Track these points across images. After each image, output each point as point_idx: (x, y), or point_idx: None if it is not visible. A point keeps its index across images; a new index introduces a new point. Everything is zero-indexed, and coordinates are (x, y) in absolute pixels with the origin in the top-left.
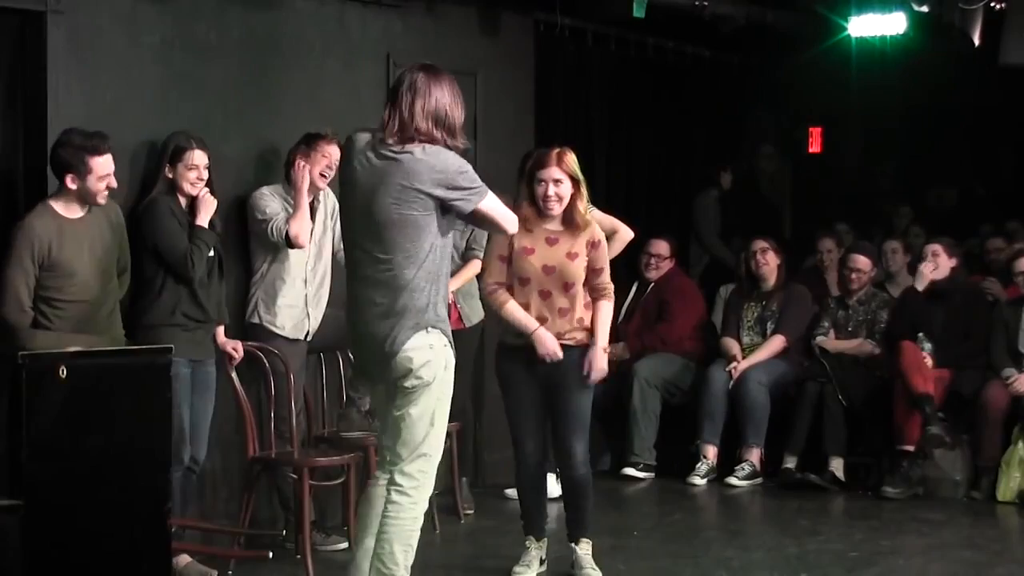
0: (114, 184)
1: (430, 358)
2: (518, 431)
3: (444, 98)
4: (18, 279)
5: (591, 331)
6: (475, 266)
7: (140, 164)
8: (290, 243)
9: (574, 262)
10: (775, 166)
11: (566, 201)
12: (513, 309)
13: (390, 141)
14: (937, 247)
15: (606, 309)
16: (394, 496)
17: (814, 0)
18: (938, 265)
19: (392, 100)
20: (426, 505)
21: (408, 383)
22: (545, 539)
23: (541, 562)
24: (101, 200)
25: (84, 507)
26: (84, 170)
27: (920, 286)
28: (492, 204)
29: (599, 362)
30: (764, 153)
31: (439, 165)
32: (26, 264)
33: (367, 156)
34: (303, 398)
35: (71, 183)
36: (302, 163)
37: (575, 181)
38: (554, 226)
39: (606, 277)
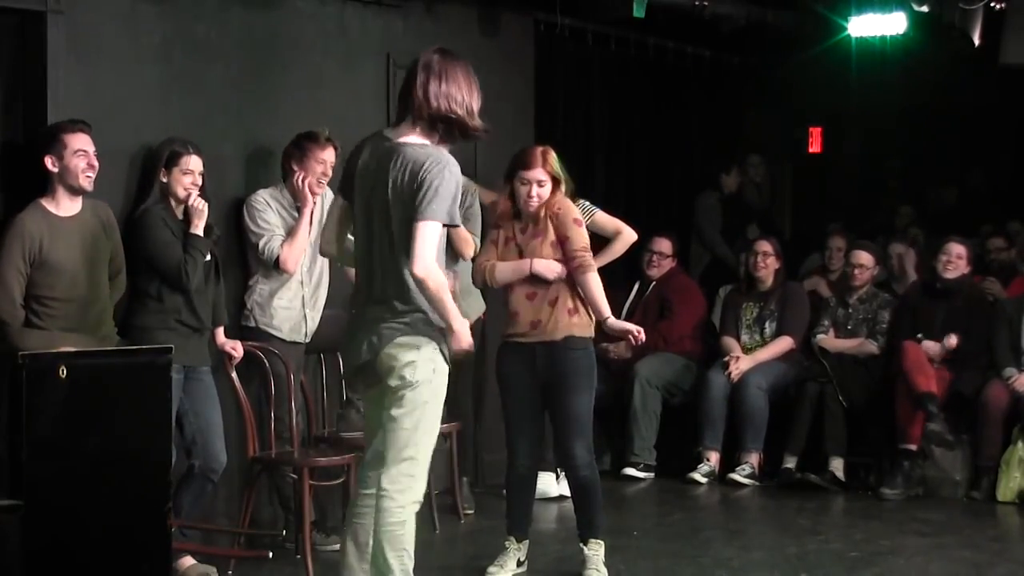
0: (95, 163)
1: (414, 359)
2: (512, 432)
3: (459, 80)
4: (10, 275)
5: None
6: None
7: (139, 164)
8: (278, 266)
9: (555, 251)
10: (761, 175)
11: (544, 200)
12: (503, 268)
13: (398, 129)
14: (961, 250)
15: (592, 280)
16: (381, 502)
17: (814, 0)
18: (958, 267)
19: (407, 82)
20: (416, 508)
21: (392, 382)
22: (527, 540)
23: (519, 563)
24: (85, 182)
25: (84, 507)
26: (60, 148)
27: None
28: (430, 232)
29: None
30: (750, 162)
31: (424, 160)
32: (17, 261)
33: (376, 148)
34: (303, 398)
35: (52, 166)
36: (305, 178)
37: (555, 180)
38: (526, 220)
39: (576, 245)
